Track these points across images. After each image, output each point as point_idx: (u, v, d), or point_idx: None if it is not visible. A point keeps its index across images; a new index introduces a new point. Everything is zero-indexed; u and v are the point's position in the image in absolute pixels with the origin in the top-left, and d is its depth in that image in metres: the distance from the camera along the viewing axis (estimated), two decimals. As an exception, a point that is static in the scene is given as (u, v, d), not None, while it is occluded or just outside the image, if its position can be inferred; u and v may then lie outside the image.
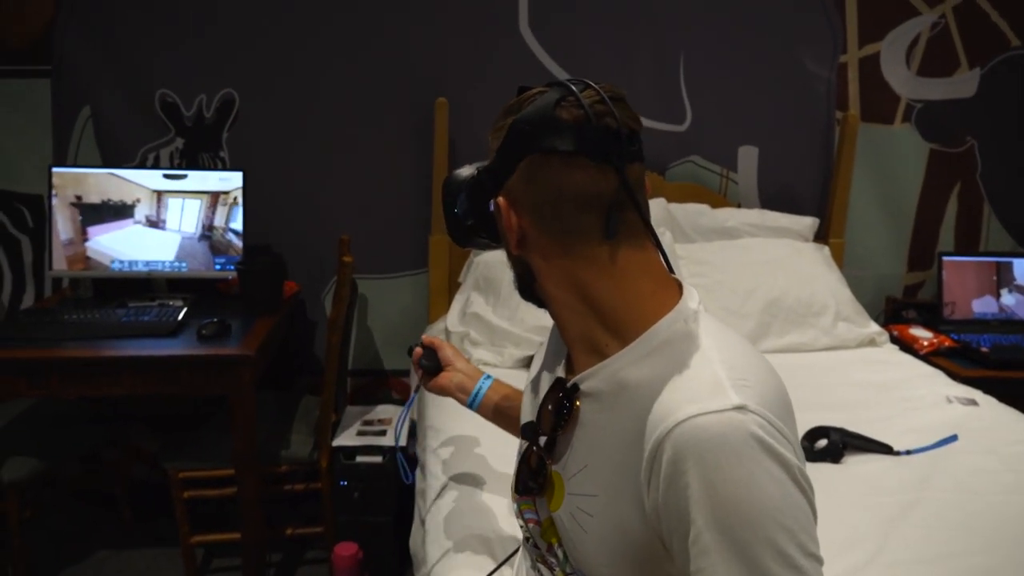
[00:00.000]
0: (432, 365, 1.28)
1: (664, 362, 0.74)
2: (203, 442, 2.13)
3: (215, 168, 2.50)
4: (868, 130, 2.65)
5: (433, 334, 2.37)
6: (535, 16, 2.48)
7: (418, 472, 1.76)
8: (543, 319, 2.11)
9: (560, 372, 0.89)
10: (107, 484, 2.51)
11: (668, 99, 2.60)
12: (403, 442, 1.37)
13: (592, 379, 0.80)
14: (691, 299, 0.80)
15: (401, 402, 2.65)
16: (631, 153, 0.78)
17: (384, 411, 2.38)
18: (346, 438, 2.19)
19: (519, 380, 2.00)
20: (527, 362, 2.07)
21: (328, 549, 2.21)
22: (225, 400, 1.99)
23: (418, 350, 1.30)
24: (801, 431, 1.39)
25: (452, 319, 2.21)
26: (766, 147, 2.67)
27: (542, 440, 0.86)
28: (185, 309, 2.17)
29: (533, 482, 0.87)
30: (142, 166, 2.48)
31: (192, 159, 2.50)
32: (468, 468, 1.49)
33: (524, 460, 0.90)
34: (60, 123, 2.45)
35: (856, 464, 1.58)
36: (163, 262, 2.34)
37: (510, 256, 0.87)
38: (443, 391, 1.27)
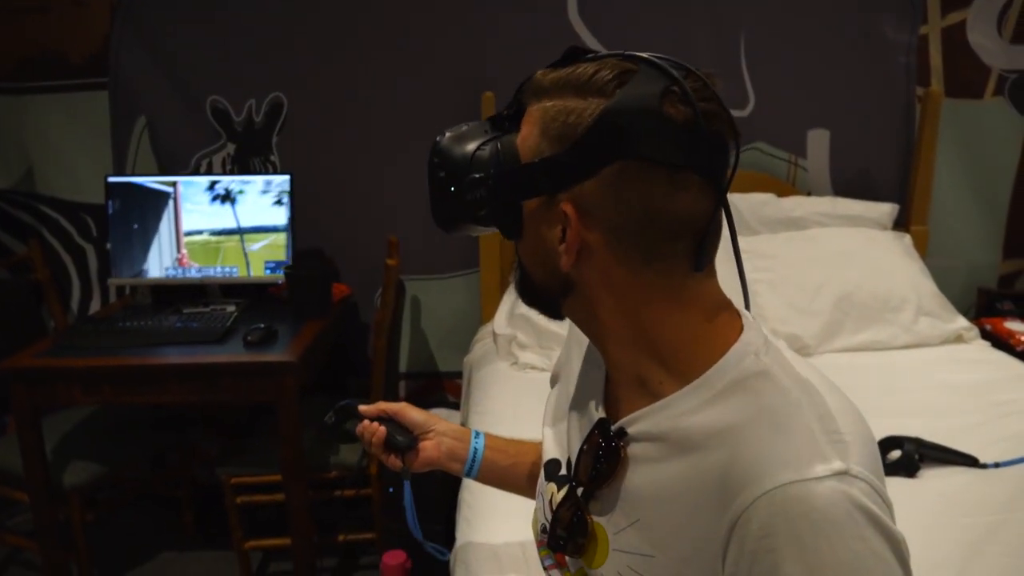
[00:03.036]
0: (406, 440, 0.99)
1: (739, 408, 0.62)
2: (254, 448, 2.13)
3: (266, 172, 2.50)
4: (953, 106, 2.42)
5: (483, 335, 2.32)
6: (584, 1, 2.37)
7: (463, 481, 1.70)
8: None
9: (599, 410, 0.76)
10: (170, 487, 2.56)
11: (728, 82, 2.43)
12: (420, 534, 1.05)
13: (644, 422, 0.68)
14: (754, 328, 0.67)
15: (457, 405, 2.59)
16: (734, 165, 0.65)
17: (437, 415, 2.32)
18: (395, 444, 2.14)
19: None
20: (576, 365, 1.98)
21: (380, 556, 2.17)
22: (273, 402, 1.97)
23: (376, 429, 0.98)
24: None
25: (499, 321, 2.13)
26: (839, 129, 2.48)
27: (579, 490, 0.74)
28: (235, 315, 2.17)
29: (570, 538, 0.74)
30: (196, 173, 2.50)
31: (243, 164, 2.51)
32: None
33: (557, 512, 0.77)
34: (118, 133, 2.50)
35: (934, 478, 1.42)
36: (215, 268, 2.35)
37: (534, 261, 0.72)
38: (432, 465, 1.00)
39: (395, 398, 2.53)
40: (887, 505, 0.57)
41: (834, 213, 2.33)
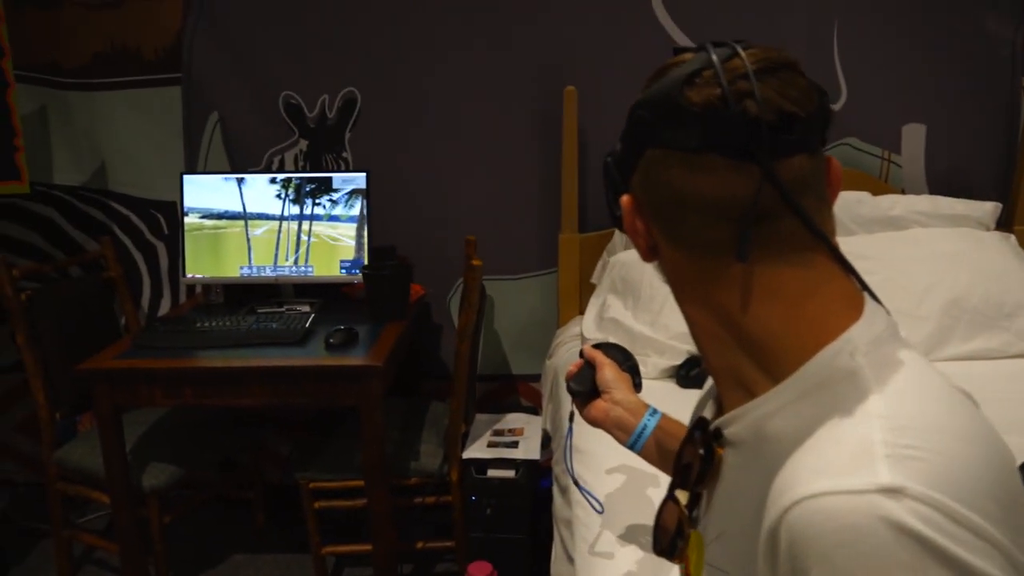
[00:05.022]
0: (583, 390, 1.05)
1: (813, 411, 0.55)
2: (333, 452, 2.08)
3: (338, 169, 2.45)
4: (1061, 99, 2.29)
5: (565, 338, 2.24)
6: (670, -8, 2.28)
7: (556, 494, 1.62)
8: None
9: (707, 410, 0.72)
10: (241, 488, 2.53)
11: (819, 75, 2.33)
12: (576, 475, 1.18)
13: (735, 424, 0.62)
14: (871, 323, 0.59)
15: (532, 409, 2.53)
16: (786, 144, 0.58)
17: (515, 420, 2.26)
18: (476, 450, 2.08)
19: (664, 392, 1.85)
20: (672, 372, 1.89)
21: (460, 565, 2.12)
22: (354, 406, 1.92)
23: (571, 368, 1.09)
24: None
25: (588, 325, 2.05)
26: (936, 124, 2.35)
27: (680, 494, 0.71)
28: (313, 316, 2.13)
29: (661, 542, 0.72)
30: (267, 170, 2.46)
31: (316, 161, 2.46)
32: (626, 504, 1.32)
33: (660, 515, 0.75)
34: (190, 130, 2.47)
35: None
36: (290, 267, 2.30)
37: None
38: (596, 424, 1.06)
39: (474, 401, 2.47)
40: (974, 534, 0.46)
41: (934, 212, 2.20)
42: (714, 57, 0.59)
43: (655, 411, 1.03)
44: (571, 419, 1.12)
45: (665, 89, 0.60)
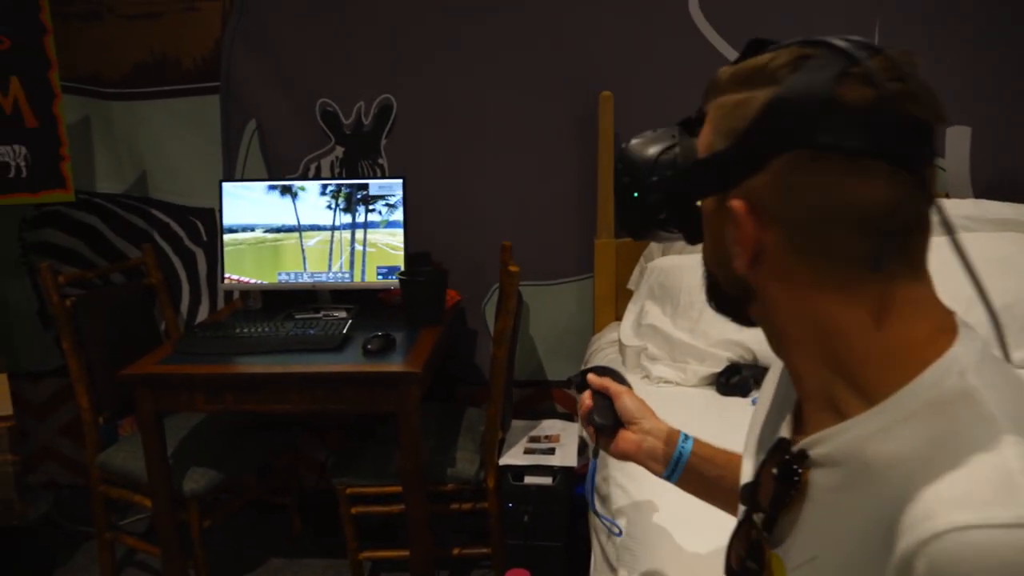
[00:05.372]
0: (607, 424, 0.97)
1: (926, 433, 0.53)
2: (370, 458, 2.09)
3: (374, 176, 2.46)
4: (1113, 100, 2.23)
5: (601, 344, 2.23)
6: (707, -6, 2.26)
7: (596, 503, 1.61)
8: (730, 331, 1.91)
9: (785, 430, 0.69)
10: (278, 493, 2.54)
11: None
12: (597, 507, 1.09)
13: (824, 445, 0.60)
14: (970, 342, 0.57)
15: (568, 416, 2.51)
16: (931, 152, 0.57)
17: (551, 426, 2.25)
18: (513, 456, 2.08)
19: (704, 400, 1.83)
20: (712, 380, 1.87)
21: (496, 572, 2.11)
22: (390, 411, 1.92)
23: (586, 400, 0.99)
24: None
25: (626, 331, 2.03)
26: (981, 127, 2.30)
27: (758, 517, 0.68)
28: (350, 321, 2.14)
29: (744, 568, 0.68)
30: (304, 176, 2.48)
31: (352, 168, 2.48)
32: (671, 512, 1.31)
33: (736, 536, 0.72)
34: (229, 137, 2.50)
35: None
36: (327, 273, 2.32)
37: (715, 264, 0.69)
38: (628, 458, 0.99)
39: (508, 408, 2.47)
40: None
41: (981, 216, 2.15)
42: (863, 54, 0.56)
43: (687, 436, 0.97)
44: (595, 455, 1.03)
45: (813, 84, 0.56)
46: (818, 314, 0.60)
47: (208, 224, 2.57)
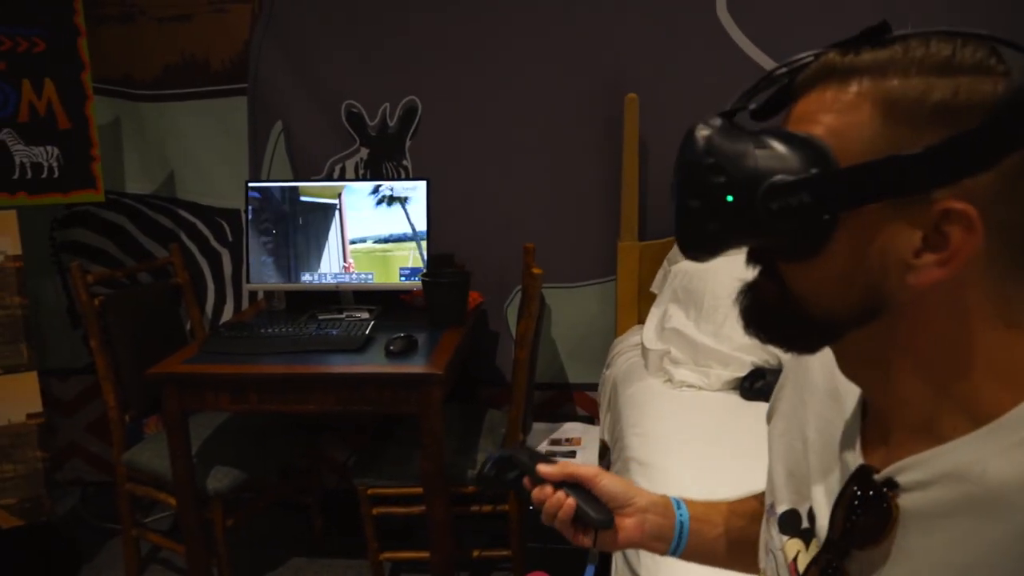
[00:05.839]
0: (602, 518, 0.80)
1: None
2: (391, 458, 2.09)
3: (398, 177, 2.47)
4: None
5: (623, 348, 2.21)
6: (734, -4, 2.24)
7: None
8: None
9: (856, 455, 0.63)
10: (300, 493, 2.56)
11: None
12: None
13: (921, 470, 0.56)
14: None
15: (588, 419, 2.50)
16: None
17: (572, 429, 2.24)
18: (534, 459, 2.06)
19: (728, 405, 1.80)
20: (735, 384, 1.84)
21: (516, 574, 2.11)
22: (412, 413, 1.93)
23: (562, 500, 0.80)
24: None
25: (649, 335, 2.02)
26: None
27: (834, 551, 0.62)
28: (372, 323, 2.14)
29: None
30: (328, 178, 2.50)
31: (376, 169, 2.49)
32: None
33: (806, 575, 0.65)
34: (255, 139, 2.52)
35: None
36: (350, 274, 2.33)
37: (838, 283, 0.57)
38: (632, 546, 0.85)
39: (530, 410, 2.46)
40: None
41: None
42: None
43: (678, 502, 0.86)
44: (594, 560, 0.87)
45: None
46: (972, 333, 0.55)
47: (234, 225, 2.60)
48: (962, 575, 0.54)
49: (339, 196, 2.33)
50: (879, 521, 0.58)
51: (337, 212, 2.33)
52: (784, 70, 0.60)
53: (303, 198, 2.33)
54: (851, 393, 0.68)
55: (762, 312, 0.62)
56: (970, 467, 0.53)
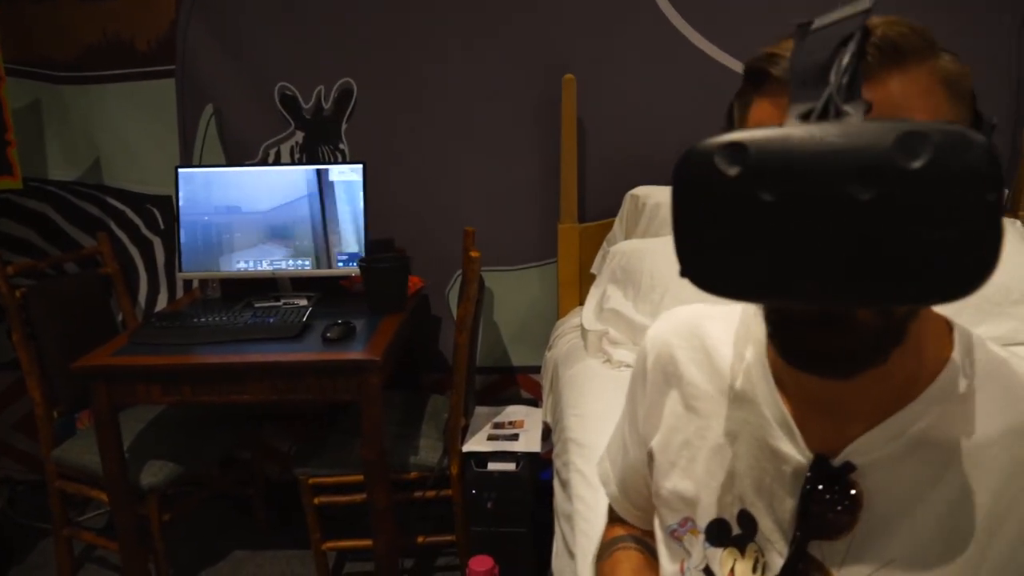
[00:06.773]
0: None
1: (1000, 404, 0.58)
2: (333, 447, 2.06)
3: (335, 161, 2.42)
4: (1067, 82, 2.26)
5: (565, 330, 2.22)
6: (670, -23, 2.24)
7: (556, 487, 1.60)
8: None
9: (798, 447, 0.63)
10: (242, 485, 2.51)
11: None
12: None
13: (876, 445, 0.59)
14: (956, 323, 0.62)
15: (532, 402, 2.51)
16: None
17: (515, 412, 2.24)
18: (476, 443, 2.06)
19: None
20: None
21: (461, 559, 2.11)
22: (353, 400, 1.90)
23: None
24: None
25: (588, 316, 2.03)
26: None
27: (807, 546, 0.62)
28: (310, 310, 2.10)
29: None
30: (263, 162, 2.44)
31: (312, 153, 2.43)
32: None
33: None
34: (185, 122, 2.44)
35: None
36: (287, 261, 2.28)
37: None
38: None
39: (474, 394, 2.45)
40: None
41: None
42: None
43: None
44: None
45: None
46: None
47: (165, 212, 2.51)
48: (925, 526, 0.58)
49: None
50: (848, 506, 0.60)
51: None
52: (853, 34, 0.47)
53: (237, 183, 2.27)
54: (755, 390, 0.67)
55: (865, 350, 0.53)
56: (927, 430, 0.59)
